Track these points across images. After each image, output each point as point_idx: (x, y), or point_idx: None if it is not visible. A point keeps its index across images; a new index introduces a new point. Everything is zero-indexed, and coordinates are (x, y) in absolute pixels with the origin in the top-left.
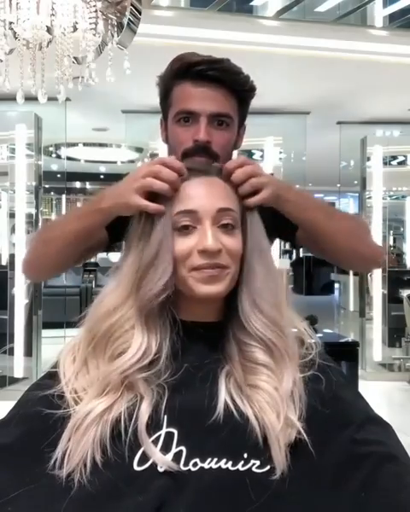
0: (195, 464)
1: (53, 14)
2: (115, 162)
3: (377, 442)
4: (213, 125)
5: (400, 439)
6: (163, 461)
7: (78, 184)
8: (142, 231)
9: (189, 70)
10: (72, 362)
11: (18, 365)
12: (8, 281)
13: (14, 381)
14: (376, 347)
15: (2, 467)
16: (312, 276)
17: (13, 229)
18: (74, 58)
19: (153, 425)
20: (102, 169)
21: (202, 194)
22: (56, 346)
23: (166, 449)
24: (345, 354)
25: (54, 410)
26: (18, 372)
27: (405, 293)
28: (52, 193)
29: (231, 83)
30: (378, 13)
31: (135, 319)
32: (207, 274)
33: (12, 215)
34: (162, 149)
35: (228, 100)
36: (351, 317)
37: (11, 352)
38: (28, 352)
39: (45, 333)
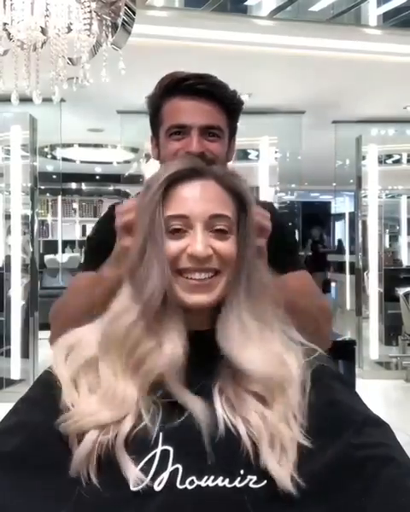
0: (191, 482)
1: (47, 15)
2: (111, 163)
3: (376, 444)
4: (205, 136)
5: (398, 438)
6: (137, 478)
7: (73, 185)
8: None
9: (178, 85)
10: (69, 364)
11: (15, 367)
12: (4, 282)
13: (10, 382)
14: (373, 346)
15: (1, 475)
16: None
17: (9, 231)
18: (69, 59)
19: (148, 443)
20: (98, 170)
21: (195, 198)
22: None
23: (161, 467)
24: (342, 353)
25: (53, 416)
26: (15, 374)
27: (401, 291)
28: (48, 194)
29: (220, 96)
30: (372, 12)
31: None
32: (193, 283)
33: (7, 216)
34: None
35: (218, 112)
36: (348, 316)
37: (8, 353)
38: (25, 353)
39: (42, 334)
